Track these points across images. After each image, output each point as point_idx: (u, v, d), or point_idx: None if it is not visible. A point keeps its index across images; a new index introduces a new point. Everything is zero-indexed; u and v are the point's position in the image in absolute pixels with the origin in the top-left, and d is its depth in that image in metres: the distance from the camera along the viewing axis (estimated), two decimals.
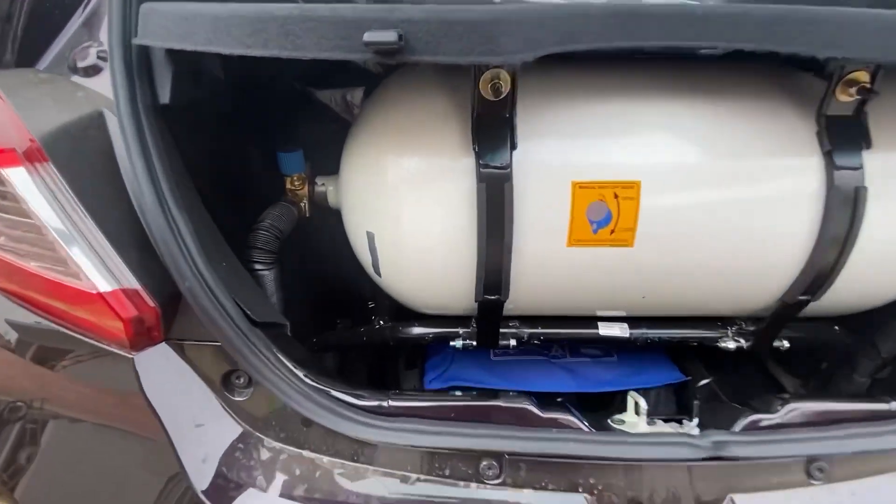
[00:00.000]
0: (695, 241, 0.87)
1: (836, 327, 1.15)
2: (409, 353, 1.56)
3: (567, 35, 0.67)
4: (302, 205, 1.11)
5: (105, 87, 0.80)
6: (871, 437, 0.80)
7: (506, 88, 0.77)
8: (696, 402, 0.90)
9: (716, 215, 0.86)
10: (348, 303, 1.70)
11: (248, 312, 0.78)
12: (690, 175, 0.84)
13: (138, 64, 0.78)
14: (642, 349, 1.40)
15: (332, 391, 0.85)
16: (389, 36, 0.59)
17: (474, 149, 0.81)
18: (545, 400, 1.41)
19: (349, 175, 0.98)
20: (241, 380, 0.83)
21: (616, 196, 0.83)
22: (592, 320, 1.12)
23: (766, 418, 0.84)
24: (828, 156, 0.82)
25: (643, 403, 0.85)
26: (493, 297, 0.92)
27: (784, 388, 1.46)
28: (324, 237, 1.30)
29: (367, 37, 0.59)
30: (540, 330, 1.11)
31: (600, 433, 0.82)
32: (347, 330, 1.24)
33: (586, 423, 0.84)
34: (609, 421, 0.88)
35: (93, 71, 0.85)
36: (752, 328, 1.09)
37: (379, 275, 1.00)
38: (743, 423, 0.84)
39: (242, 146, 1.23)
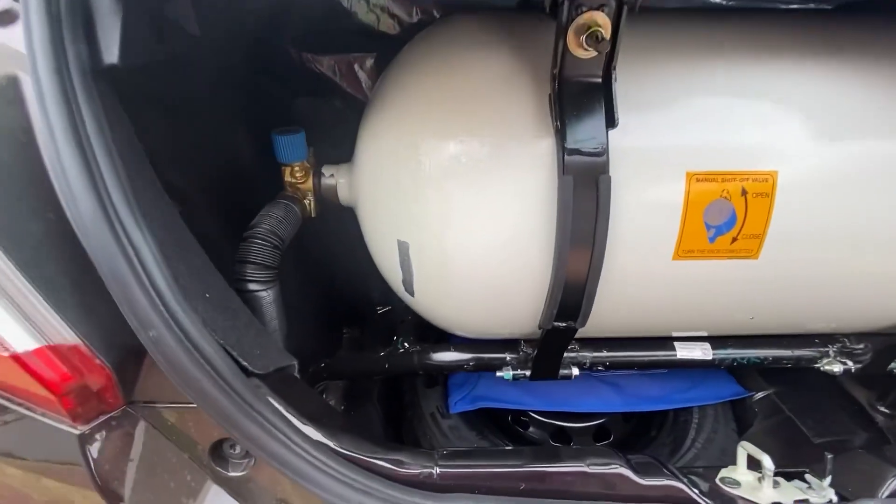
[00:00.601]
0: (835, 247, 0.66)
1: None
2: None
3: None
4: (306, 202, 0.87)
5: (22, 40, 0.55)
6: None
7: (605, 40, 0.54)
8: (828, 456, 0.71)
9: (863, 213, 0.64)
10: (356, 308, 1.48)
11: (244, 363, 0.56)
12: (837, 162, 0.63)
13: (70, 6, 0.53)
14: None
15: (360, 456, 0.63)
16: None
17: (556, 126, 0.58)
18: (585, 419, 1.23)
19: (370, 165, 0.75)
20: (237, 448, 0.61)
21: (744, 192, 0.61)
22: (668, 341, 0.92)
23: None
24: None
25: (768, 463, 0.65)
26: (564, 324, 0.70)
27: (856, 401, 1.28)
28: (322, 230, 1.07)
29: None
30: (605, 354, 0.90)
31: None
32: (363, 355, 1.02)
33: (697, 490, 0.64)
34: (719, 482, 0.68)
35: (6, 18, 0.60)
36: (859, 346, 0.90)
37: (411, 294, 0.77)
38: (892, 485, 0.65)
39: (227, 127, 0.97)
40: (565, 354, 0.89)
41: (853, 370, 0.90)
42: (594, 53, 0.55)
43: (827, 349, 0.92)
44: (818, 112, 0.63)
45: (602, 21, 0.54)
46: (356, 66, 1.09)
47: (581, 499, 0.62)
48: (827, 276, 0.69)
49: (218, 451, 0.61)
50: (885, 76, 0.66)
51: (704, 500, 0.63)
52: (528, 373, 0.87)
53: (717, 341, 0.92)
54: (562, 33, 0.54)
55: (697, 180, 0.60)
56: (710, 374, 1.32)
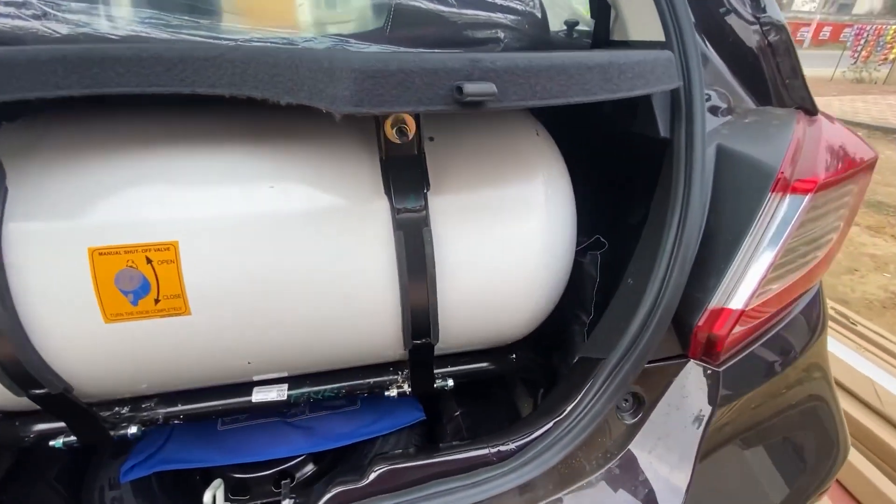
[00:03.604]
0: (271, 297, 0.78)
1: (514, 356, 1.15)
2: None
3: None
4: None
5: None
6: (452, 493, 0.75)
7: None
8: (284, 482, 0.81)
9: (287, 267, 0.78)
10: None
11: None
12: (245, 228, 0.76)
13: None
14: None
15: None
16: None
17: None
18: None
19: None
20: None
21: (149, 260, 0.72)
22: (247, 386, 1.00)
23: (350, 490, 0.77)
24: (389, 198, 0.79)
25: (207, 498, 0.73)
26: (40, 391, 0.75)
27: (518, 412, 1.47)
28: None
29: None
30: (180, 408, 0.96)
31: None
32: None
33: None
34: None
35: None
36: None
37: None
38: (325, 498, 0.75)
39: None
40: (137, 413, 0.94)
41: (408, 392, 1.04)
42: None
43: (397, 376, 1.06)
44: (225, 186, 0.76)
45: None
46: None
47: None
48: (280, 320, 0.81)
49: None
50: (300, 154, 0.80)
51: None
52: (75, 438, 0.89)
53: (295, 380, 1.02)
54: None
55: (100, 254, 0.70)
56: (398, 405, 1.43)
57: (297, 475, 1.33)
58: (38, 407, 0.83)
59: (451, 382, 1.06)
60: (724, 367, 0.83)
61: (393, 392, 1.03)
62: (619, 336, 0.83)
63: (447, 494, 0.75)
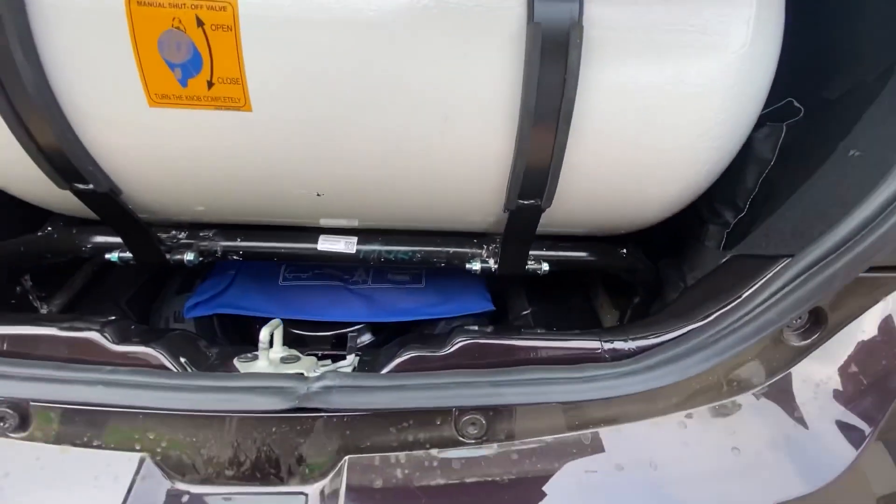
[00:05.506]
0: (353, 104, 0.59)
1: (624, 251, 0.93)
2: (189, 274, 1.31)
3: None
4: None
5: None
6: (550, 384, 0.59)
7: None
8: (350, 334, 0.68)
9: (375, 65, 0.56)
10: None
11: None
12: (329, 8, 0.54)
13: None
14: (458, 276, 1.20)
15: None
16: None
17: None
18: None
19: None
20: None
21: (200, 23, 0.53)
22: (314, 232, 0.87)
23: (427, 356, 0.62)
24: None
25: (264, 335, 0.62)
26: (84, 187, 0.64)
27: (599, 321, 1.29)
28: None
29: None
30: (240, 243, 0.85)
31: (169, 376, 0.58)
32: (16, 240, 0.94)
33: (177, 362, 0.60)
34: (237, 359, 0.65)
35: None
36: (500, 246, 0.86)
37: None
38: (394, 363, 0.62)
39: None
40: (194, 241, 0.84)
41: (494, 270, 0.86)
42: None
43: (481, 250, 0.88)
44: None
45: None
46: None
47: (53, 358, 0.58)
48: (361, 141, 0.62)
49: None
50: None
51: (177, 367, 0.59)
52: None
53: (365, 236, 0.87)
54: None
55: (139, 4, 0.52)
56: (465, 291, 1.30)
57: (354, 344, 1.27)
58: (94, 215, 0.74)
59: (546, 267, 0.87)
60: None
61: (476, 266, 0.86)
62: (824, 226, 0.57)
63: (547, 384, 0.59)
